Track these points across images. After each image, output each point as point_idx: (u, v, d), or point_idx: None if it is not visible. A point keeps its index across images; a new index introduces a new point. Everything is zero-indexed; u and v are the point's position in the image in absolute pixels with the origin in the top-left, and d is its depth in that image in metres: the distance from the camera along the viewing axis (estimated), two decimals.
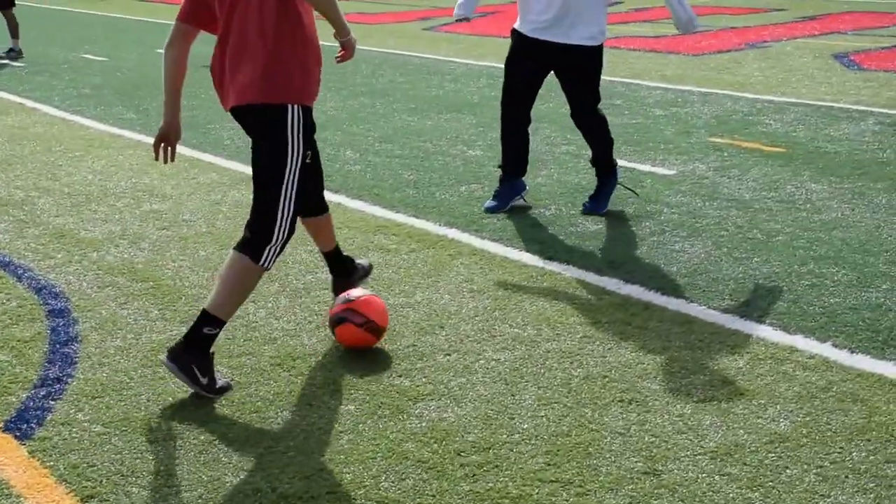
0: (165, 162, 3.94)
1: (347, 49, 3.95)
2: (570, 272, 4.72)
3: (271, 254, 3.64)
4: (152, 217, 5.61)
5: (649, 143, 7.30)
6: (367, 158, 6.89)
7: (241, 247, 3.64)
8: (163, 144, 3.90)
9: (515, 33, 5.74)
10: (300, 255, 4.93)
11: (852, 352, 3.81)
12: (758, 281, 4.56)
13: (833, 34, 13.33)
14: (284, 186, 3.68)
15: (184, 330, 3.77)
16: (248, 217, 3.75)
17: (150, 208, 5.78)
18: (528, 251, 5.02)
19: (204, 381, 3.53)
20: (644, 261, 4.87)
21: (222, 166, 6.77)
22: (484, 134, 7.65)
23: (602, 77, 5.83)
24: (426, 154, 7.08)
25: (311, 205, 4.14)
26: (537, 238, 5.25)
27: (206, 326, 3.58)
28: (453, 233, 5.30)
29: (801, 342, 3.90)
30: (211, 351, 3.56)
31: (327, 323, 4.00)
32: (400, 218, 5.60)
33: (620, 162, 6.74)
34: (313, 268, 4.76)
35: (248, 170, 6.53)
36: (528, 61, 5.66)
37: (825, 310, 4.21)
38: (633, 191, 5.91)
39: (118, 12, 19.42)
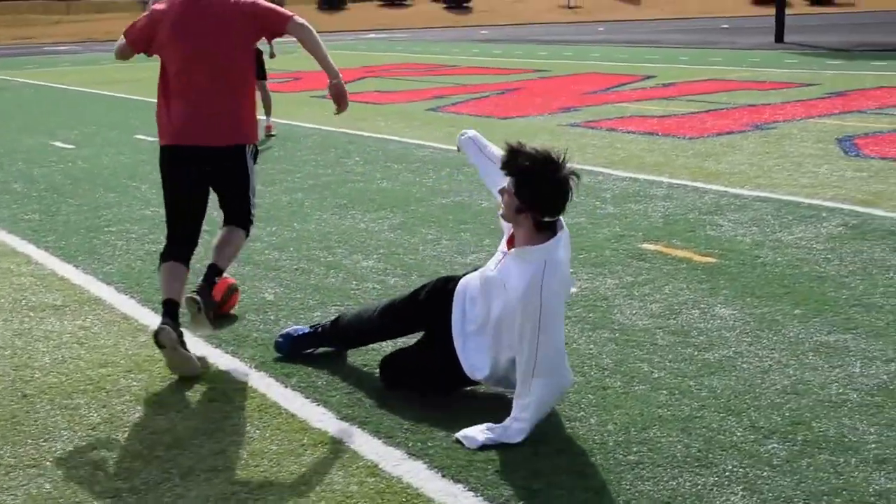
0: None
1: (333, 96, 4.83)
2: (353, 438, 3.81)
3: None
4: None
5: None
6: (239, 271, 6.11)
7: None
8: None
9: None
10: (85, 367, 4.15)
11: None
12: (561, 463, 3.62)
13: (853, 113, 12.22)
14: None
15: None
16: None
17: None
18: (327, 405, 4.15)
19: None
20: (453, 427, 3.95)
21: (73, 283, 6.03)
22: (396, 239, 6.83)
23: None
24: (311, 264, 6.28)
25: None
26: (356, 388, 4.37)
27: (216, 276, 4.89)
28: (258, 378, 4.46)
29: None
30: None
31: None
32: (219, 357, 4.79)
33: None
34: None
35: (96, 289, 5.95)
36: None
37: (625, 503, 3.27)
38: None
39: (125, 92, 19.10)
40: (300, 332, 4.73)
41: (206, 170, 4.89)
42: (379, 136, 11.77)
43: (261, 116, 12.38)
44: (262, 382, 4.41)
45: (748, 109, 12.84)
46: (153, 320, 5.27)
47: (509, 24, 41.19)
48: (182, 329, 4.62)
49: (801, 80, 16.01)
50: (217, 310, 4.99)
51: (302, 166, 9.87)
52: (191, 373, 4.48)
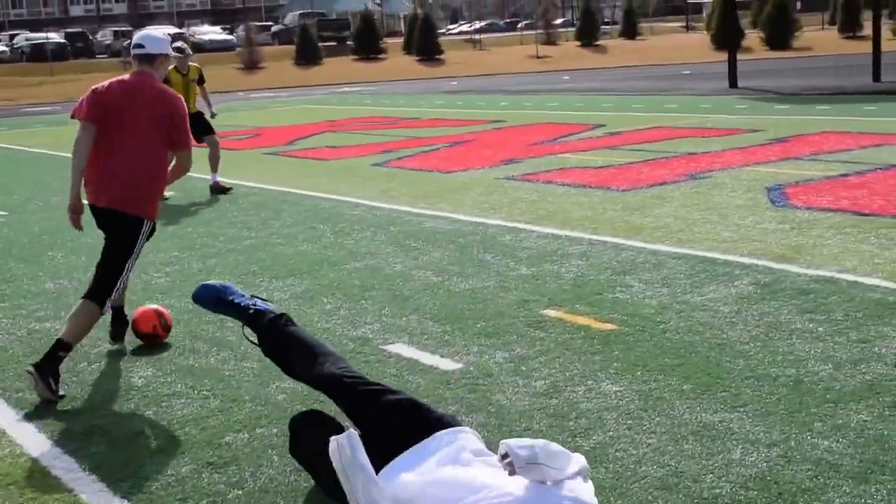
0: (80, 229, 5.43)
1: None
2: None
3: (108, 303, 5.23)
4: None
5: (468, 321, 5.93)
6: (106, 359, 5.62)
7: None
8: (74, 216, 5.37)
9: None
10: None
11: None
12: None
13: (790, 160, 11.83)
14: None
15: None
16: None
17: None
18: None
19: (55, 386, 4.87)
20: None
21: None
22: (293, 310, 6.32)
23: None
24: (196, 341, 5.77)
25: None
26: (177, 486, 3.88)
27: (61, 351, 4.98)
28: (88, 483, 3.96)
29: None
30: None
31: None
32: (55, 458, 4.28)
33: (410, 351, 5.41)
34: None
35: None
36: None
37: None
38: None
39: None
40: (232, 296, 4.27)
41: (105, 227, 5.36)
42: (316, 194, 11.32)
43: (206, 175, 11.96)
44: (92, 487, 3.91)
45: (687, 158, 12.43)
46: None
47: (480, 74, 40.95)
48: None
49: (747, 126, 15.63)
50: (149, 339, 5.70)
51: (227, 228, 9.41)
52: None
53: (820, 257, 6.98)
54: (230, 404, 4.75)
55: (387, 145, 16.20)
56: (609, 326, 5.64)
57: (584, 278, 6.76)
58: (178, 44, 12.14)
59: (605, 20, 65.97)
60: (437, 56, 47.54)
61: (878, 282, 6.28)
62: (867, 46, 23.47)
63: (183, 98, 11.88)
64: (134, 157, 5.24)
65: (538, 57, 47.55)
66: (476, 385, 4.84)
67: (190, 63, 12.21)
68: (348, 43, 51.78)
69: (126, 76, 5.46)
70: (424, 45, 47.65)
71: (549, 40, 52.99)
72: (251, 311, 4.22)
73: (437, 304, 6.32)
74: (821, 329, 5.40)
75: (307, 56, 46.61)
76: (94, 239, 9.73)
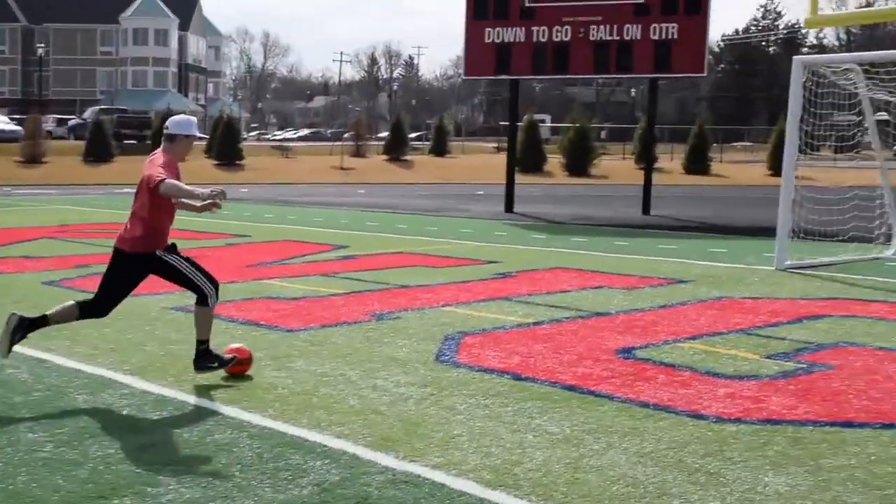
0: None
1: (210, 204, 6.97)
2: None
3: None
4: None
5: None
6: None
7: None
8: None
9: None
10: None
11: None
12: None
13: (499, 300, 10.55)
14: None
15: None
16: None
17: None
18: None
19: (214, 364, 6.88)
20: None
21: None
22: None
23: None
24: None
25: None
26: None
27: (202, 345, 6.84)
28: None
29: None
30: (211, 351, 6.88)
31: None
32: None
33: None
34: None
35: None
36: None
37: None
38: None
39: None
40: None
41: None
42: None
43: None
44: None
45: (394, 292, 11.01)
46: None
47: (277, 182, 39.44)
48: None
49: (485, 257, 14.45)
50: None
51: None
52: None
53: (427, 443, 5.51)
54: None
55: (91, 258, 14.20)
56: None
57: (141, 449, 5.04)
58: None
59: (430, 137, 65.69)
60: (237, 161, 45.80)
61: (469, 486, 4.81)
62: (658, 178, 23.22)
63: None
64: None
65: (342, 168, 46.49)
66: None
67: None
68: (148, 142, 49.40)
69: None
70: (225, 149, 45.85)
71: (359, 153, 52.13)
72: None
73: None
74: None
75: (98, 153, 44.01)
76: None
